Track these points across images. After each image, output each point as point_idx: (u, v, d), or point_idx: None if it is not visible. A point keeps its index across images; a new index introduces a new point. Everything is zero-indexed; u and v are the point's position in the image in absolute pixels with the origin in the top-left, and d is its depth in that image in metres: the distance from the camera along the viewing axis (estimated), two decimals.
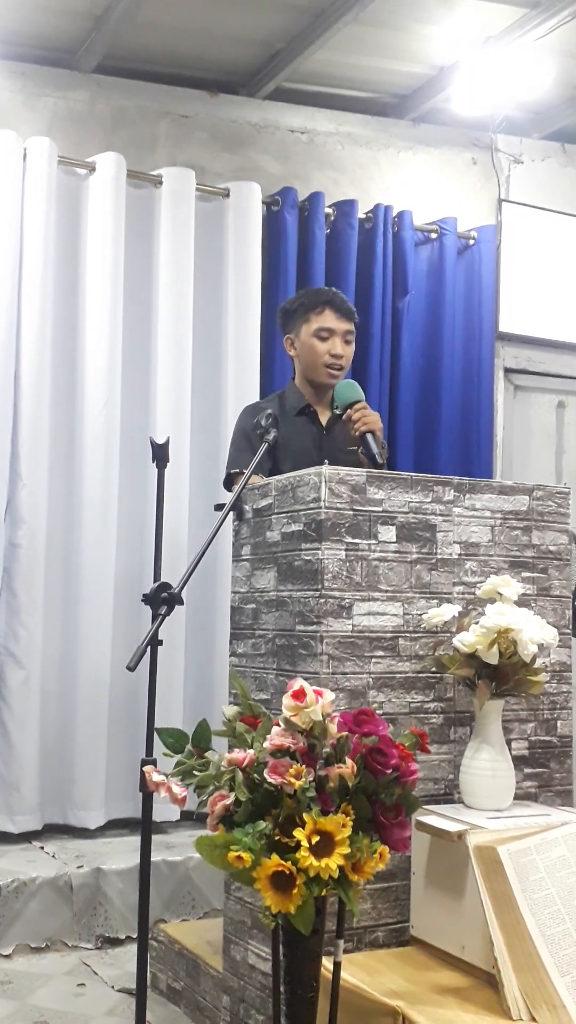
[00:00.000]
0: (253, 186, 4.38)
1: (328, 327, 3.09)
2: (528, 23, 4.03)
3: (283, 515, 2.53)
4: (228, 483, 3.12)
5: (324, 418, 3.16)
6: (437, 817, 2.27)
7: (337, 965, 1.87)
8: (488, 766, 2.34)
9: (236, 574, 2.75)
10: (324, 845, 1.68)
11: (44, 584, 3.93)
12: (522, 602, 2.41)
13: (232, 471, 3.05)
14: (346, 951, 2.12)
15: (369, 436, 2.88)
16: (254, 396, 4.17)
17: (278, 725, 1.79)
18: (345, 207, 4.56)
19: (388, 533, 2.45)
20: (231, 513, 2.68)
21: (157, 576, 2.59)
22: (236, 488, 2.68)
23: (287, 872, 1.66)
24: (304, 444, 3.10)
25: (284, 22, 4.15)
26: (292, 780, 1.70)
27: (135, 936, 3.11)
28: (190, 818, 3.97)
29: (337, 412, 3.02)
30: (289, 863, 1.66)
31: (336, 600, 2.38)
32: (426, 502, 2.51)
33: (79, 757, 3.91)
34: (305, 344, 3.11)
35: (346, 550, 2.40)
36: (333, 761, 1.78)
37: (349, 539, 2.41)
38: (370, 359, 4.48)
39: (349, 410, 2.95)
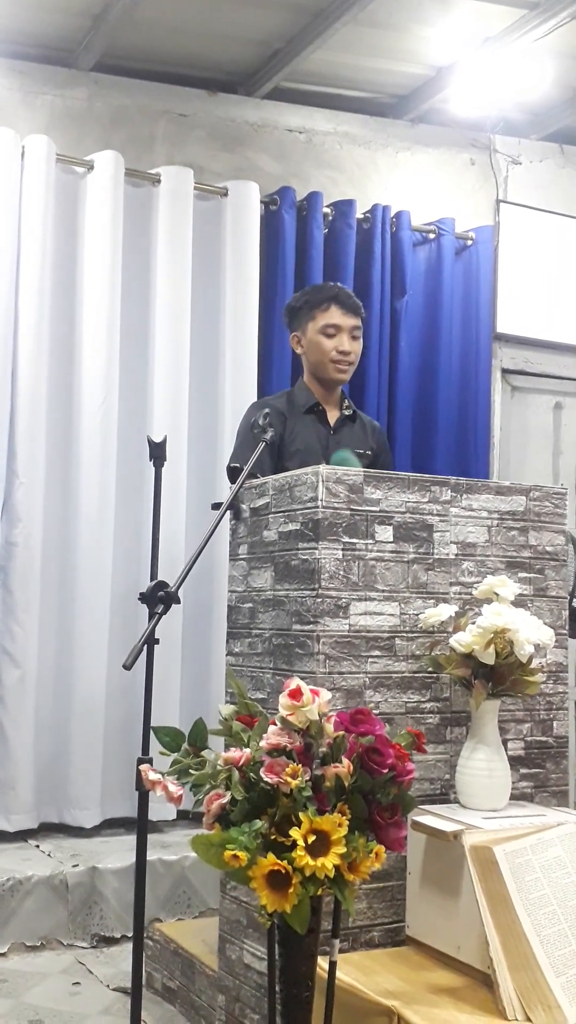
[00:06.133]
0: (251, 185, 4.37)
1: (334, 323, 3.07)
2: (526, 24, 4.03)
3: (280, 514, 2.53)
4: (232, 476, 3.12)
5: (332, 418, 3.14)
6: (433, 817, 2.27)
7: (332, 965, 1.87)
8: (484, 766, 2.34)
9: (233, 573, 2.75)
10: (320, 844, 1.68)
11: (40, 582, 3.92)
12: (519, 602, 2.41)
13: (234, 464, 3.05)
14: (341, 951, 2.12)
15: None
16: (252, 395, 4.17)
17: (274, 724, 1.79)
18: (343, 207, 4.56)
19: (385, 533, 2.45)
20: (228, 512, 2.68)
21: (154, 575, 2.59)
22: (232, 488, 2.68)
23: (283, 871, 1.66)
24: (311, 443, 3.08)
25: (283, 22, 4.15)
26: (288, 779, 1.70)
27: (131, 935, 3.11)
28: (186, 817, 3.96)
29: (347, 414, 3.00)
30: (285, 862, 1.66)
31: (333, 600, 2.38)
32: (423, 502, 2.51)
33: (75, 756, 3.91)
34: (312, 341, 3.10)
35: (343, 550, 2.40)
36: (329, 760, 1.78)
37: (346, 539, 2.41)
38: (368, 359, 4.47)
39: None
